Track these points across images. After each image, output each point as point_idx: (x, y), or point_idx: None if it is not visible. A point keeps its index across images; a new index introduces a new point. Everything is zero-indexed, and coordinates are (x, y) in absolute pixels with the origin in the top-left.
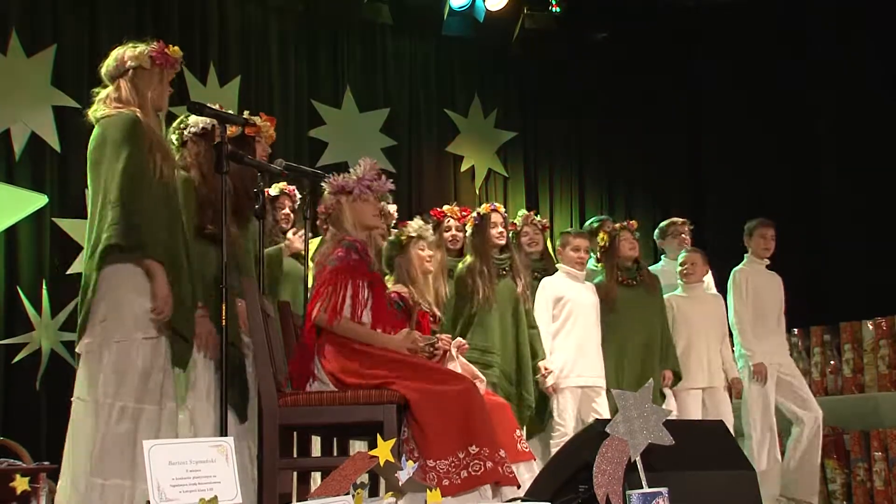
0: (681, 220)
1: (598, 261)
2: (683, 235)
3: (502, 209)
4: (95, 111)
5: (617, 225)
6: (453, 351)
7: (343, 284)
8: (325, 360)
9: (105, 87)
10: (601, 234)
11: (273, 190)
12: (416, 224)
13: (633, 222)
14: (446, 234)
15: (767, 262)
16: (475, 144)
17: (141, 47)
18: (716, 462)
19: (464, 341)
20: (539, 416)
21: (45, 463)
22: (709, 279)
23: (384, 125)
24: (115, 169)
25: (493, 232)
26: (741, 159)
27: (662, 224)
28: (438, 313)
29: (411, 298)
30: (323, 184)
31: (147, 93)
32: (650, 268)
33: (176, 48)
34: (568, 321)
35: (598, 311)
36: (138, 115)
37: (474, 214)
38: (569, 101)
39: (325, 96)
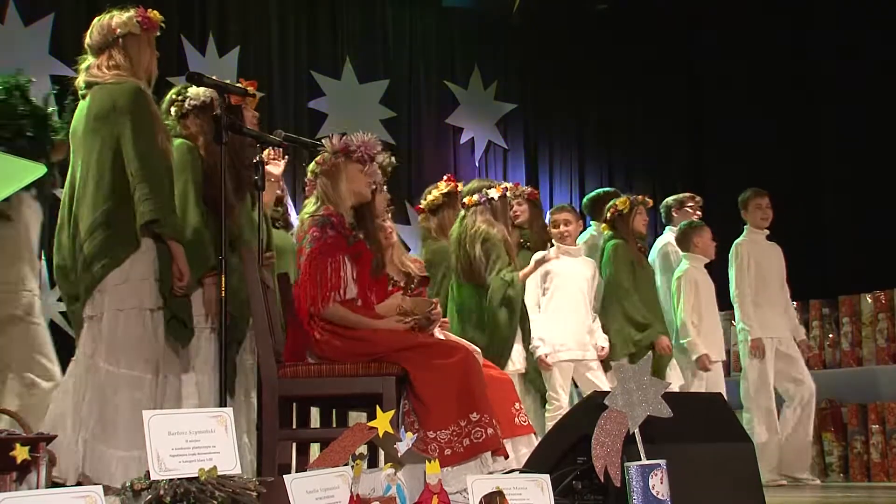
0: (691, 195)
1: (609, 227)
2: (689, 210)
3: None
4: (93, 75)
5: (639, 197)
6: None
7: (321, 267)
8: (316, 346)
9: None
10: (622, 199)
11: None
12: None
13: (650, 200)
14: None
15: (767, 232)
16: (475, 116)
17: (128, 14)
18: (714, 434)
19: (445, 319)
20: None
21: (45, 432)
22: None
23: (383, 96)
24: (130, 141)
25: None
26: (742, 131)
27: (681, 196)
28: (416, 269)
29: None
30: (323, 140)
31: (141, 60)
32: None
33: (155, 12)
34: (555, 295)
35: (590, 284)
36: (141, 84)
37: (503, 186)
38: (569, 72)
39: (324, 67)
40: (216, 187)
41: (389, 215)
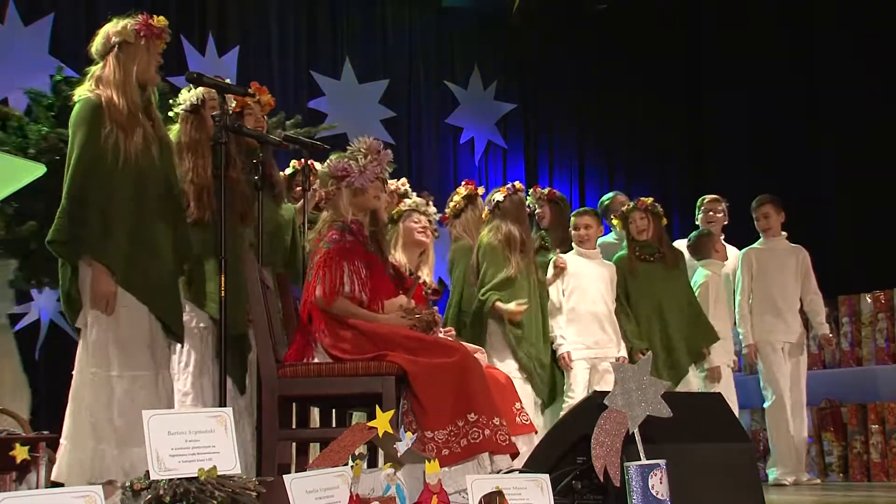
0: (712, 197)
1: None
2: (711, 213)
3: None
4: (76, 93)
5: (624, 207)
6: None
7: (338, 265)
8: (323, 335)
9: (97, 65)
10: (614, 219)
11: (288, 169)
12: (412, 199)
13: (644, 200)
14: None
15: (783, 235)
16: (475, 116)
17: (124, 21)
18: (714, 435)
19: (451, 329)
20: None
21: (45, 432)
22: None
23: (383, 96)
24: (70, 156)
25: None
26: (742, 131)
27: (698, 201)
28: (434, 285)
29: (405, 268)
30: (325, 165)
31: (132, 68)
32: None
33: (161, 18)
34: (573, 296)
35: (609, 286)
36: (103, 99)
37: (509, 185)
38: (569, 72)
39: (324, 67)
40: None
41: (432, 210)
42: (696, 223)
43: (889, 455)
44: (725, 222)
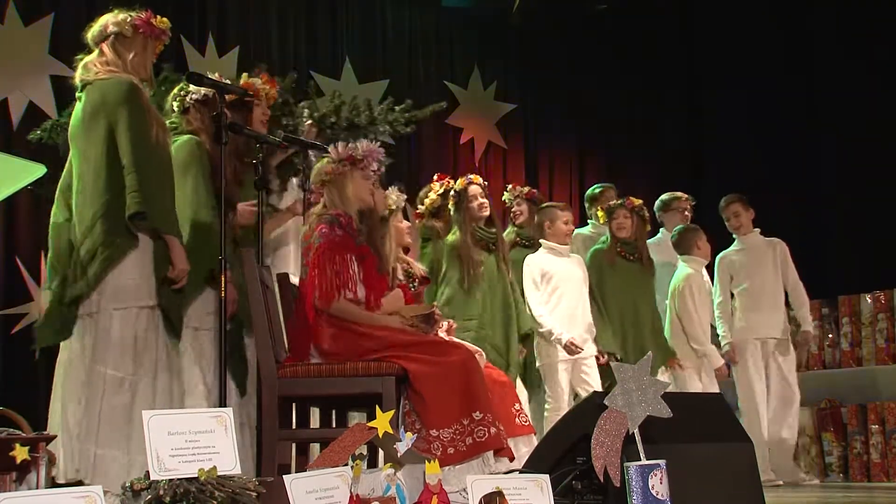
0: (683, 195)
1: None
2: (686, 212)
3: (479, 179)
4: (87, 73)
5: (612, 202)
6: (442, 334)
7: (331, 263)
8: (321, 341)
9: (89, 53)
10: (599, 211)
11: None
12: (394, 196)
13: (632, 200)
14: (473, 204)
15: (756, 232)
16: (475, 116)
17: (124, 14)
18: (714, 434)
19: (454, 323)
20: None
21: (45, 432)
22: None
23: (383, 97)
24: (123, 133)
25: (473, 205)
26: (742, 131)
27: (664, 197)
28: (422, 272)
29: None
30: (329, 149)
31: (127, 59)
32: (648, 241)
33: (164, 19)
34: (553, 296)
35: (585, 284)
36: (134, 79)
37: (452, 192)
38: (569, 72)
39: (324, 67)
40: (218, 184)
41: (406, 215)
42: (659, 221)
43: (889, 455)
44: (690, 218)
